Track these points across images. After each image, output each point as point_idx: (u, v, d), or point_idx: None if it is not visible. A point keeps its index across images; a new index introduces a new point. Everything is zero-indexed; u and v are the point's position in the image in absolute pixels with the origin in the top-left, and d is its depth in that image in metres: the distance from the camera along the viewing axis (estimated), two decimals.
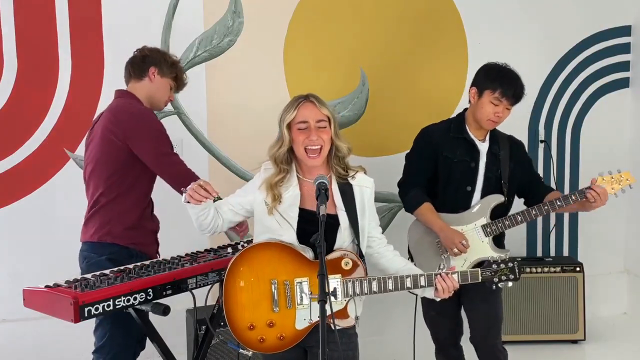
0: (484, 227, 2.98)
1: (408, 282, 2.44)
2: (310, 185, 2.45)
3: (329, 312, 1.96)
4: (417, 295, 2.74)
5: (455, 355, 3.23)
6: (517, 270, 2.57)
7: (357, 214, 2.45)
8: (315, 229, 2.14)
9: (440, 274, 2.46)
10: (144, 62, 3.00)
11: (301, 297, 2.39)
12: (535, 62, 4.48)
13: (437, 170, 3.04)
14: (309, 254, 2.40)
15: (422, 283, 2.45)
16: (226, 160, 4.01)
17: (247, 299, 2.40)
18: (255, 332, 2.39)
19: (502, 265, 2.58)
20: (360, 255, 2.46)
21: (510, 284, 2.59)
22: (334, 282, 2.38)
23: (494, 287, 2.58)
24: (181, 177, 2.78)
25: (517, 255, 4.43)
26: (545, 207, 2.96)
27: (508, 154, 3.04)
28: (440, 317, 3.15)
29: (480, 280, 2.54)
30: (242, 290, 2.40)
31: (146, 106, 2.99)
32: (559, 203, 2.95)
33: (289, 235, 2.42)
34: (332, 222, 2.40)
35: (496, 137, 3.06)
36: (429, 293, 2.49)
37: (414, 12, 4.24)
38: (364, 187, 2.49)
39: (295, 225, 2.42)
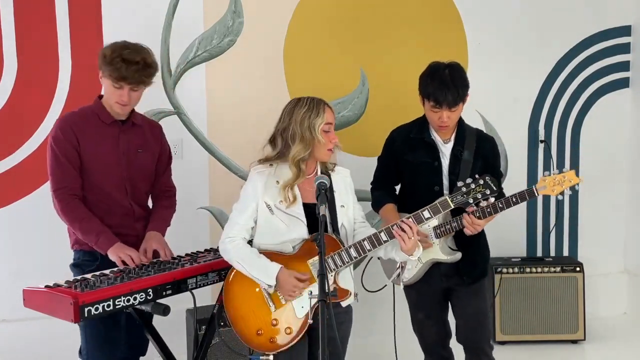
0: (435, 228, 2.86)
1: (383, 236, 2.54)
2: (307, 181, 2.59)
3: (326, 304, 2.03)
4: (395, 285, 2.96)
5: (445, 356, 3.15)
6: (490, 183, 2.53)
7: (335, 198, 2.63)
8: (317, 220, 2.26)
9: (396, 223, 2.53)
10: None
11: None
12: (535, 62, 4.48)
13: (402, 173, 3.02)
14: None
15: (385, 239, 2.55)
16: (226, 160, 4.01)
17: (247, 309, 2.56)
18: (264, 335, 2.52)
19: (472, 185, 2.55)
20: (335, 230, 2.60)
21: (492, 199, 2.54)
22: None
23: (475, 207, 2.57)
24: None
25: (517, 255, 4.44)
26: (489, 210, 2.74)
27: (473, 153, 2.92)
28: (428, 320, 3.07)
29: (452, 207, 2.56)
30: (240, 304, 2.56)
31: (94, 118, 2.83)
32: (500, 205, 2.74)
33: (300, 231, 2.54)
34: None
35: (463, 136, 2.94)
36: (401, 255, 2.59)
37: (414, 12, 4.24)
38: (344, 176, 2.73)
39: (305, 220, 2.54)
